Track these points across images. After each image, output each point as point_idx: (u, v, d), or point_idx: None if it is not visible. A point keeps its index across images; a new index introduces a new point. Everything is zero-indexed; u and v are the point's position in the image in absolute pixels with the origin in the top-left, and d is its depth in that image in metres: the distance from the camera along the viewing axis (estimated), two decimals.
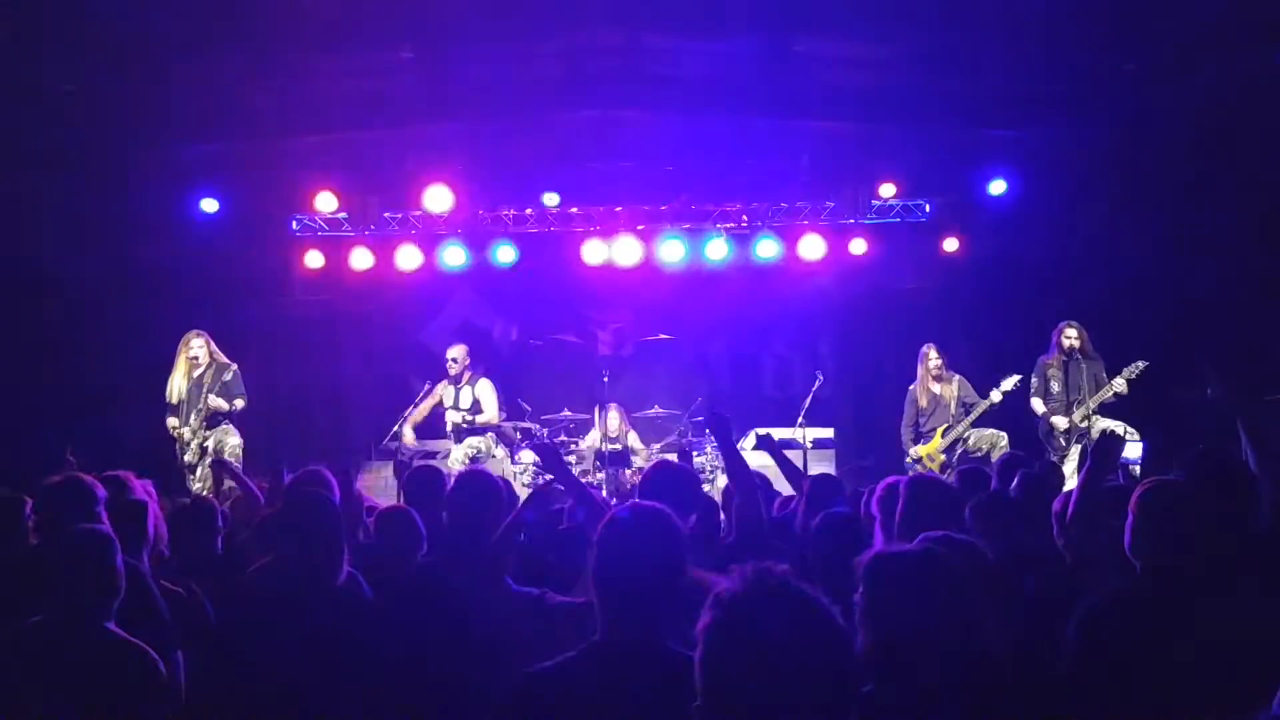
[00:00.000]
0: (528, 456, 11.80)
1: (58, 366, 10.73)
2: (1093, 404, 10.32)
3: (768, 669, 1.81)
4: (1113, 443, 4.50)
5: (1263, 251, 10.07)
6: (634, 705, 2.57)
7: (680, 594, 2.73)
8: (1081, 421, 10.34)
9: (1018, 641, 3.43)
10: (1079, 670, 3.47)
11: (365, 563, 4.69)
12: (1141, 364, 10.20)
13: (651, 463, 5.03)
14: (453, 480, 4.45)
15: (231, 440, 10.67)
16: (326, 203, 12.26)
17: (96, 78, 9.43)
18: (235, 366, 10.76)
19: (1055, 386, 10.56)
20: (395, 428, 11.47)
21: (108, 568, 3.74)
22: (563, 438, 12.24)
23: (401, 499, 7.10)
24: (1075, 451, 10.37)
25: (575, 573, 4.21)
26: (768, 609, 1.87)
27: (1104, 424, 10.26)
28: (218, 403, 10.60)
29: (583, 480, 5.72)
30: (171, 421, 10.73)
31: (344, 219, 12.72)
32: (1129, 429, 9.86)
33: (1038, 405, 10.65)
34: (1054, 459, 10.08)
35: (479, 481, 4.39)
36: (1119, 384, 10.25)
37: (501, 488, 4.35)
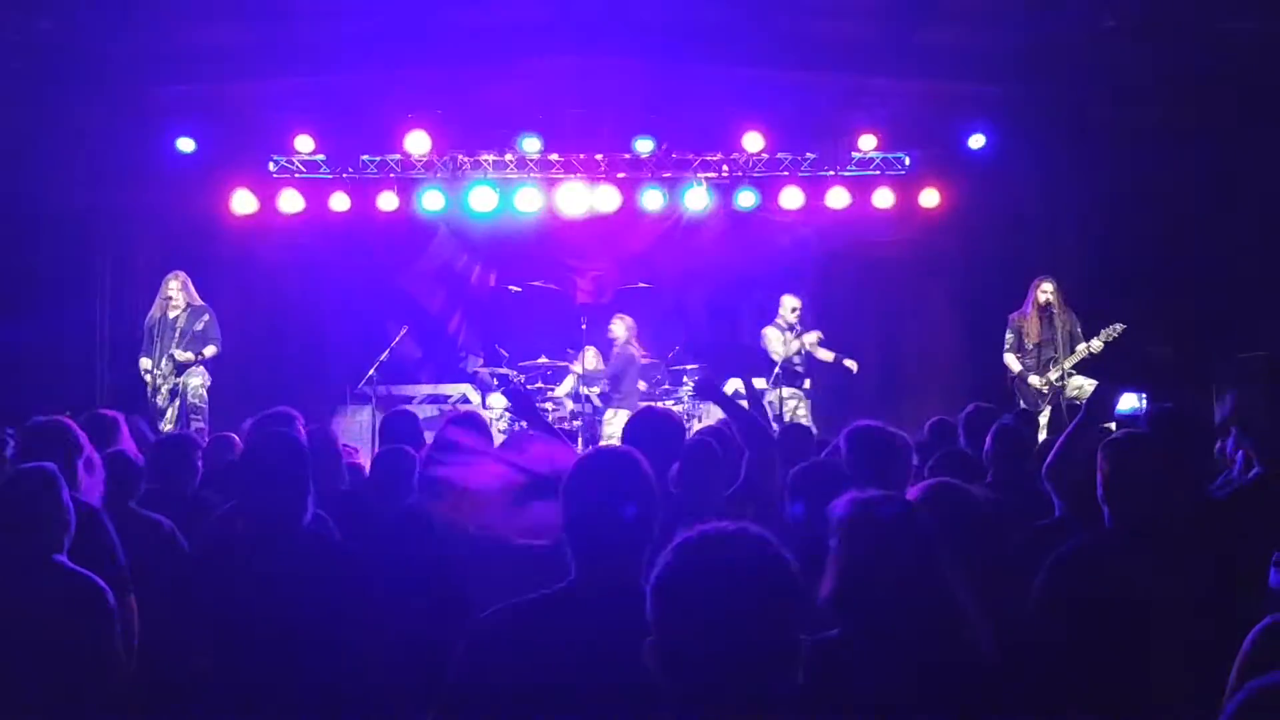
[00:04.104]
0: (498, 401, 11.83)
1: (31, 308, 10.66)
2: (1068, 364, 10.36)
3: (716, 604, 1.86)
4: (1108, 396, 4.52)
5: (1240, 210, 10.12)
6: (604, 646, 2.58)
7: (653, 536, 2.75)
8: (1057, 380, 10.39)
9: (991, 591, 3.48)
10: (1045, 618, 3.52)
11: (355, 503, 4.71)
12: (1119, 326, 10.19)
13: (638, 410, 5.02)
14: (445, 421, 4.45)
15: (194, 381, 10.64)
16: (304, 144, 12.17)
17: (73, 16, 9.32)
18: (210, 314, 10.72)
19: (1029, 343, 10.58)
20: (370, 371, 11.46)
21: (51, 502, 3.79)
22: (539, 384, 12.29)
23: (377, 443, 7.12)
24: (1048, 410, 10.43)
25: None
26: (718, 549, 1.92)
27: (1078, 382, 10.35)
28: (184, 356, 10.56)
29: (559, 427, 5.73)
30: (144, 363, 10.70)
31: (322, 161, 12.64)
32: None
33: (1011, 361, 10.66)
34: (1028, 411, 10.15)
35: (471, 423, 4.39)
36: (1095, 345, 10.27)
37: (490, 433, 4.35)
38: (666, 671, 1.90)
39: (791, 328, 11.48)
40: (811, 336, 11.49)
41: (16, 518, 3.78)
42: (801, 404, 11.41)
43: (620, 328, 12.02)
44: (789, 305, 11.55)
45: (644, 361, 12.08)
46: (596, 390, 12.06)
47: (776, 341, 11.43)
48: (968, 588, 3.07)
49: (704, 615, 1.86)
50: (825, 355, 11.51)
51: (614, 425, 11.38)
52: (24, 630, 3.63)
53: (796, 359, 11.46)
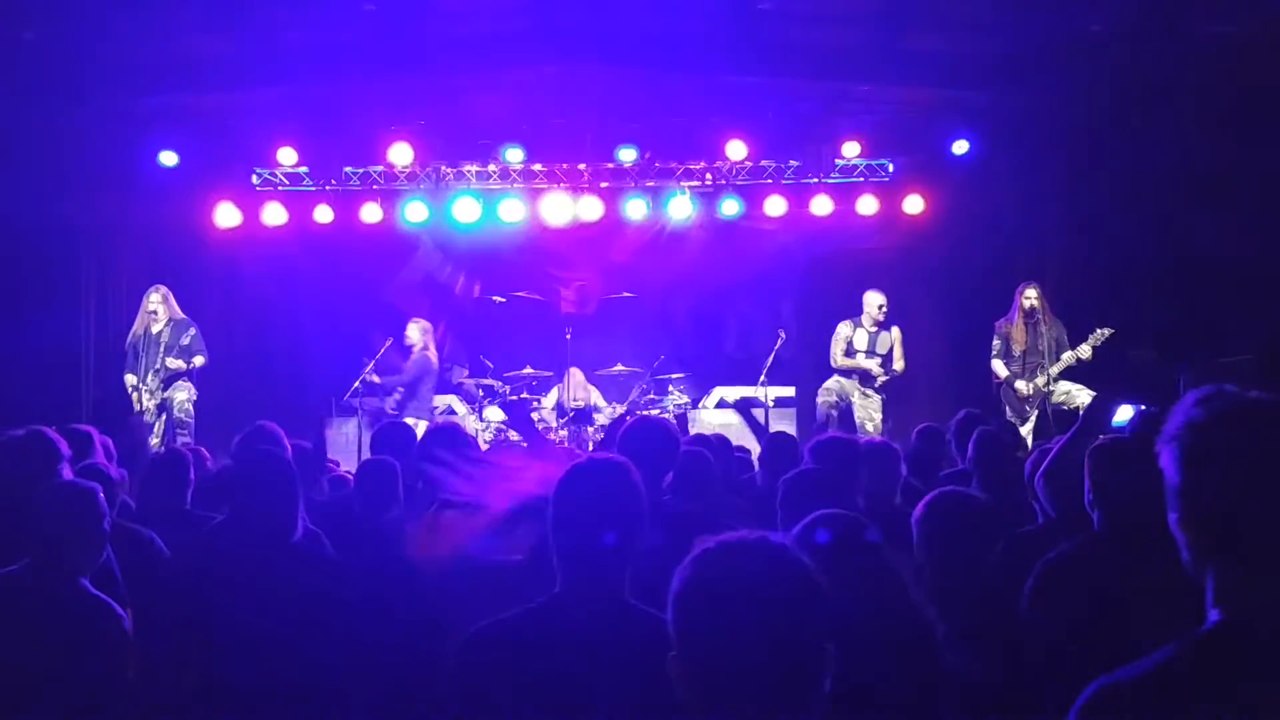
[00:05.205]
0: (494, 414, 11.81)
1: (13, 321, 10.60)
2: (1055, 370, 10.38)
3: (741, 615, 1.84)
4: (1105, 407, 4.54)
5: (1227, 213, 10.14)
6: (593, 659, 2.58)
7: (639, 549, 2.75)
8: (1044, 386, 10.41)
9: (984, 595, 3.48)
10: (1034, 622, 3.53)
11: (339, 515, 4.69)
12: (1107, 330, 10.23)
13: (632, 419, 4.96)
14: (424, 433, 4.44)
15: (180, 396, 10.65)
16: (287, 156, 12.15)
17: (56, 27, 9.28)
18: (195, 327, 10.72)
19: (1016, 349, 10.61)
20: (355, 383, 11.45)
21: (90, 525, 3.74)
22: (525, 395, 12.27)
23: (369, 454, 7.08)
24: (1034, 417, 10.46)
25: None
26: (740, 558, 1.90)
27: (1065, 387, 10.38)
28: (176, 364, 10.60)
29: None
30: (129, 379, 10.70)
31: (304, 173, 12.62)
32: (1090, 392, 9.95)
33: (999, 368, 10.69)
34: (1012, 420, 10.19)
35: (452, 435, 4.37)
36: (1084, 350, 10.30)
37: (474, 442, 4.33)
38: (690, 684, 1.89)
39: (879, 325, 11.28)
40: (896, 332, 11.37)
41: (52, 536, 3.70)
42: (875, 413, 11.23)
43: (416, 331, 11.96)
44: (875, 303, 11.27)
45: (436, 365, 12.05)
46: (580, 403, 12.07)
47: (842, 336, 11.32)
48: (946, 597, 3.08)
49: (728, 626, 1.84)
50: (899, 363, 11.39)
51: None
52: (40, 652, 3.57)
53: (877, 359, 11.27)
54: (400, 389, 11.75)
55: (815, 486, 4.30)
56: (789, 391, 12.53)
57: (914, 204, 12.57)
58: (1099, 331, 10.25)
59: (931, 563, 3.47)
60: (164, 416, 10.66)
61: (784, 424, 11.14)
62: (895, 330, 11.25)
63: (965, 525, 3.49)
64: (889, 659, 2.71)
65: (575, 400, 12.07)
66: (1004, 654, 3.20)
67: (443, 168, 12.69)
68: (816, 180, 12.73)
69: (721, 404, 12.77)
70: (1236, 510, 1.74)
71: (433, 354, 11.98)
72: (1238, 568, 1.75)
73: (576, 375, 12.31)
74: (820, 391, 11.28)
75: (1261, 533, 1.72)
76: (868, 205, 12.63)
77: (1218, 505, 1.76)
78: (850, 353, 11.24)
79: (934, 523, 3.50)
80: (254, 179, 12.72)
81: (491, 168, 12.70)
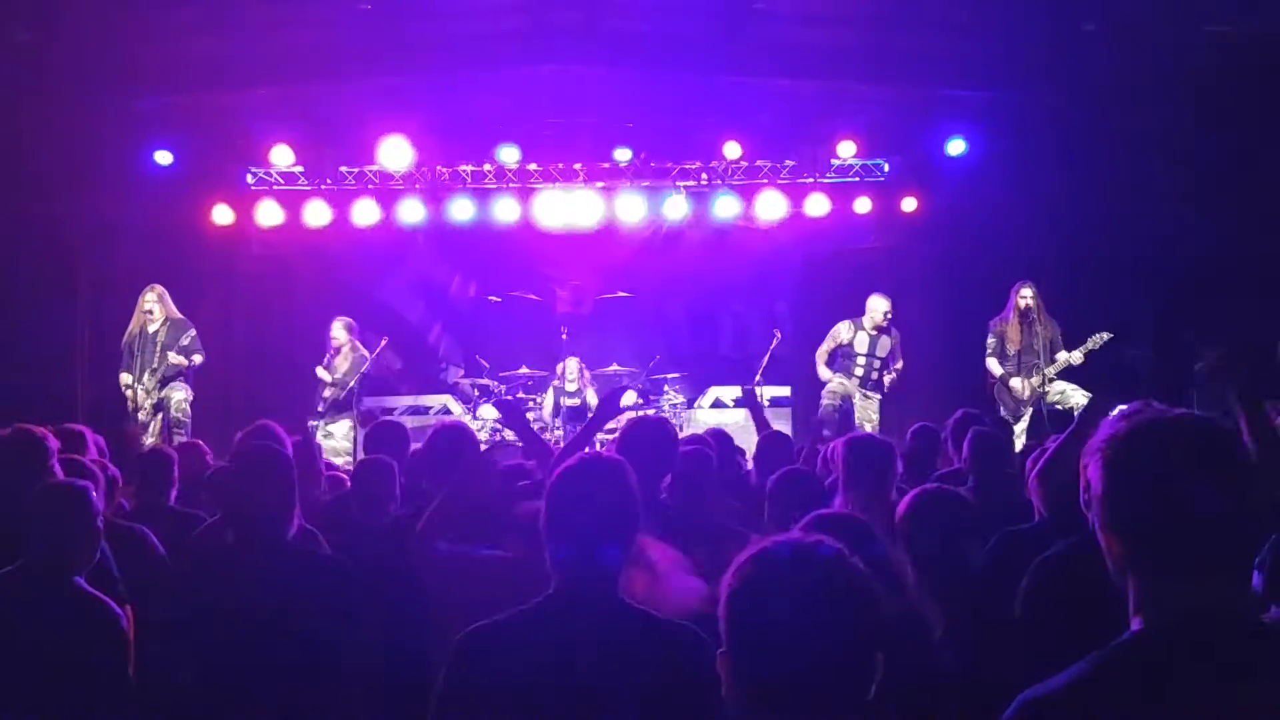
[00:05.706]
0: (488, 413, 11.81)
1: (8, 319, 10.61)
2: (1051, 371, 10.39)
3: (795, 618, 1.84)
4: (1102, 408, 4.55)
5: (1222, 212, 10.16)
6: (588, 659, 2.59)
7: (635, 548, 2.75)
8: (1039, 386, 10.42)
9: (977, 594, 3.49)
10: (1028, 621, 3.53)
11: (337, 514, 4.71)
12: (1105, 335, 10.22)
13: (629, 419, 4.92)
14: (431, 432, 4.43)
15: (177, 395, 10.63)
16: (282, 156, 12.13)
17: (52, 27, 9.28)
18: (193, 327, 10.70)
19: (1011, 348, 10.61)
20: (351, 383, 11.44)
21: (80, 523, 3.74)
22: (520, 394, 12.28)
23: (363, 453, 7.09)
24: (1028, 415, 10.47)
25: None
26: (797, 561, 1.91)
27: (1060, 387, 10.39)
28: (177, 360, 10.56)
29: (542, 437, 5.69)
30: (124, 378, 10.68)
31: (300, 173, 12.60)
32: (1085, 392, 9.96)
33: (994, 366, 10.69)
34: (1005, 418, 10.20)
35: (458, 434, 4.36)
36: (1076, 356, 10.30)
37: (478, 442, 4.33)
38: (739, 683, 1.90)
39: (880, 330, 11.15)
40: (896, 336, 11.27)
41: (45, 536, 3.70)
42: (873, 414, 11.21)
43: (341, 331, 11.62)
44: (880, 309, 11.10)
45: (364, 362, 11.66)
46: (577, 402, 12.07)
47: (837, 335, 11.22)
48: (930, 595, 3.08)
49: (786, 629, 1.85)
50: (899, 363, 11.33)
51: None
52: (37, 652, 3.57)
53: (876, 363, 11.19)
54: (344, 390, 11.45)
55: (805, 485, 4.32)
56: (785, 391, 12.54)
57: (909, 204, 12.57)
58: (1096, 336, 10.24)
59: (915, 560, 3.48)
60: (160, 416, 10.66)
61: (780, 424, 11.16)
62: (895, 334, 11.24)
63: (947, 523, 3.50)
64: (888, 659, 2.71)
65: (571, 397, 12.06)
66: (993, 652, 3.20)
67: (438, 167, 12.67)
68: (812, 180, 12.72)
69: (718, 404, 12.80)
70: (1152, 520, 1.81)
71: (364, 350, 11.68)
72: (1155, 577, 1.82)
73: (575, 363, 12.27)
74: (824, 394, 11.26)
75: (1175, 543, 1.79)
76: (863, 205, 12.64)
77: (1135, 515, 1.83)
78: (849, 354, 11.20)
79: (916, 521, 3.51)
80: (249, 178, 12.70)
81: (487, 167, 12.69)
